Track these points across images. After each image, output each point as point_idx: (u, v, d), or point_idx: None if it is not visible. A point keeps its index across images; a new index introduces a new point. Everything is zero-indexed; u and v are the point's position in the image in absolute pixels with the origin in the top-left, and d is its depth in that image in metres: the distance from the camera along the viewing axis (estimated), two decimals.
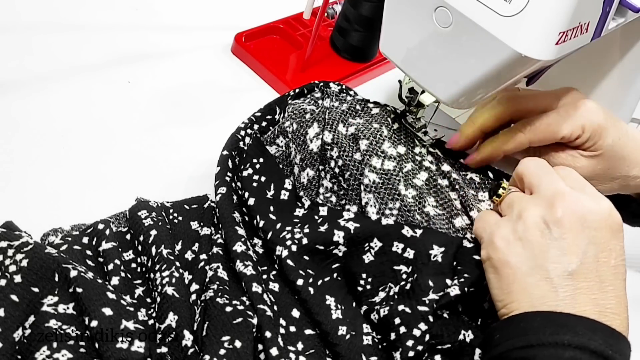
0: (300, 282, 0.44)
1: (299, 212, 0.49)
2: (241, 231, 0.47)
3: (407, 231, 0.45)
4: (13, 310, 0.38)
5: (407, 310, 0.41)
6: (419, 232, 0.45)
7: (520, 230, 0.39)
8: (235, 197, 0.49)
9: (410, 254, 0.44)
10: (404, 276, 0.44)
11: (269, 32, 0.74)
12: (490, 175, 0.51)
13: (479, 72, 0.41)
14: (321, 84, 0.55)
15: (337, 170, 0.48)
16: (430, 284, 0.42)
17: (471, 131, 0.50)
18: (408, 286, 0.43)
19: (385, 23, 0.47)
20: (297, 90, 0.55)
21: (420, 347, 0.40)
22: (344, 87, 0.56)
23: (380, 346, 0.43)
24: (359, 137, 0.48)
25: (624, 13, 0.43)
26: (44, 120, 0.56)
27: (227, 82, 0.67)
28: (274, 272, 0.46)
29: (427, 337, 0.40)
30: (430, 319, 0.41)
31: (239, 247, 0.45)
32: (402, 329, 0.41)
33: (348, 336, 0.42)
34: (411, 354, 0.40)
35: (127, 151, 0.56)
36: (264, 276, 0.46)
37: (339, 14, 0.71)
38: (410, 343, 0.40)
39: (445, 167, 0.49)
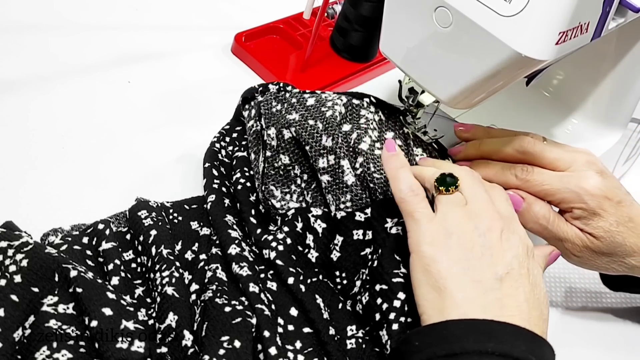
0: (291, 280, 0.45)
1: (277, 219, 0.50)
2: (234, 234, 0.47)
3: (359, 216, 0.45)
4: (13, 310, 0.38)
5: (384, 287, 0.42)
6: (369, 211, 0.45)
7: (451, 230, 0.39)
8: (227, 201, 0.50)
9: (369, 235, 0.45)
10: (370, 256, 0.45)
11: (269, 32, 0.74)
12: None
13: (479, 72, 0.41)
14: (260, 88, 0.55)
15: (304, 185, 0.49)
16: (397, 258, 0.43)
17: (473, 154, 0.50)
18: (375, 263, 0.43)
19: (385, 23, 0.47)
20: (241, 98, 0.55)
21: (402, 319, 0.40)
22: (281, 84, 0.55)
23: (364, 345, 0.43)
24: (302, 144, 0.48)
25: (624, 13, 0.43)
26: (44, 120, 0.56)
27: (228, 82, 0.67)
28: (271, 272, 0.46)
29: (406, 306, 0.40)
30: (406, 288, 0.41)
31: (233, 250, 0.45)
32: (385, 305, 0.41)
33: (336, 338, 0.43)
34: (395, 327, 0.40)
35: (127, 151, 0.56)
36: (262, 275, 0.46)
37: (339, 14, 0.71)
38: (392, 316, 0.40)
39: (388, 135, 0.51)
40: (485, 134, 0.50)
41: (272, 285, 0.45)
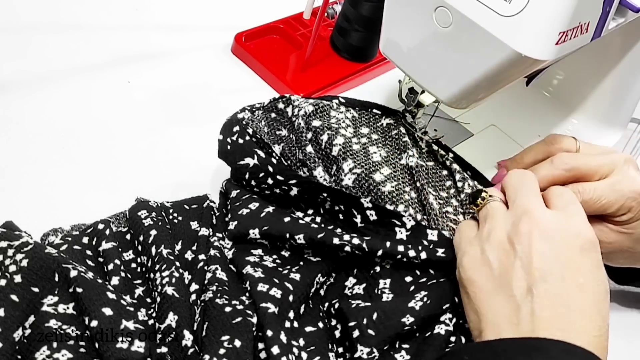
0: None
1: None
2: (252, 258, 0.47)
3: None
4: (13, 310, 0.38)
5: None
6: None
7: (487, 249, 0.39)
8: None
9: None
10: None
11: (269, 32, 0.74)
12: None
13: (479, 72, 0.41)
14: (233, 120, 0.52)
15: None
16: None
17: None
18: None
19: (385, 23, 0.47)
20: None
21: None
22: (256, 105, 0.53)
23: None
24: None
25: (624, 13, 0.43)
26: (44, 120, 0.56)
27: (227, 82, 0.67)
28: (296, 267, 0.46)
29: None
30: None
31: (251, 258, 0.46)
32: None
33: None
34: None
35: (127, 151, 0.56)
36: (284, 272, 0.45)
37: (339, 14, 0.71)
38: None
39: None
40: (517, 164, 0.50)
41: (296, 276, 0.45)
